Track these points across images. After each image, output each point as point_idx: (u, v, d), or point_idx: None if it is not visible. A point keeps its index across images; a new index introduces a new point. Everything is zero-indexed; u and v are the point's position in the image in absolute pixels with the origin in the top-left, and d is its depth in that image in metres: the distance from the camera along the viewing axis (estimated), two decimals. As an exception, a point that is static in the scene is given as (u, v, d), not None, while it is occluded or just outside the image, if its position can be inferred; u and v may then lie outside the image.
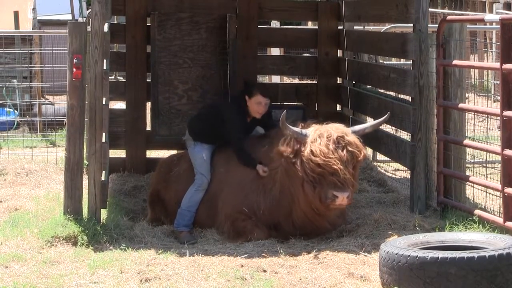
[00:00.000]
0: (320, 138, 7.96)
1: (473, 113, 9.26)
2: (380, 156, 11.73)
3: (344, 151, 7.92)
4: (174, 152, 10.54)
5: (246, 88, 9.01)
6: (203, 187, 8.75)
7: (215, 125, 8.82)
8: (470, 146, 8.65)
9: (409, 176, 9.40)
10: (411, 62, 9.16)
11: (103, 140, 8.28)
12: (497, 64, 7.86)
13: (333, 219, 8.43)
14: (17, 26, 16.48)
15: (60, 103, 15.01)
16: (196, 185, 8.75)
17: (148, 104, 11.19)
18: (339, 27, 11.57)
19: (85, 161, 8.59)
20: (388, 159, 10.85)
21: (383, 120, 8.57)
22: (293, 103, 11.75)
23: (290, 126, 8.11)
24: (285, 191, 8.31)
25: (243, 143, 8.70)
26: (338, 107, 11.92)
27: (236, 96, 9.16)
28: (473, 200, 9.04)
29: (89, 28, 8.36)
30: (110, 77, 8.95)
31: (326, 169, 7.84)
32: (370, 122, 8.56)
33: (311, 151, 7.91)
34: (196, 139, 8.92)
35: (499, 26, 7.72)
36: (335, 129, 8.09)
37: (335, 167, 7.81)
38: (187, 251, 7.69)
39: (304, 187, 8.03)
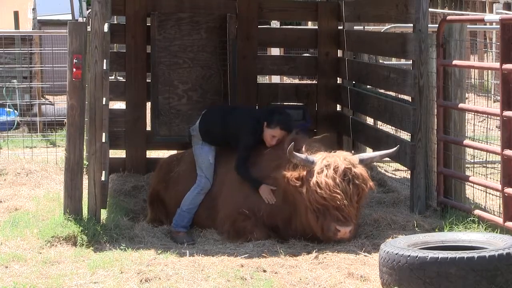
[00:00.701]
0: (327, 169, 7.81)
1: (473, 113, 9.26)
2: (380, 156, 11.71)
3: (350, 185, 7.79)
4: (174, 152, 10.54)
5: (270, 115, 8.56)
6: (205, 190, 8.70)
7: (228, 137, 8.69)
8: (470, 146, 8.65)
9: (409, 176, 9.41)
10: (411, 62, 9.16)
11: (103, 140, 8.27)
12: (497, 64, 7.86)
13: None
14: (17, 26, 16.48)
15: (60, 103, 15.02)
16: (199, 188, 8.70)
17: (148, 104, 11.19)
18: (339, 27, 11.57)
19: (85, 161, 8.59)
20: (388, 159, 10.84)
21: (393, 152, 8.35)
22: (293, 103, 11.75)
23: (298, 154, 7.94)
24: (288, 199, 8.22)
25: (248, 164, 8.52)
26: (338, 107, 11.92)
27: (257, 117, 8.64)
28: (473, 200, 9.04)
29: (89, 28, 8.36)
30: (110, 77, 8.94)
31: (331, 203, 7.74)
32: (378, 152, 8.33)
33: (317, 182, 7.77)
34: (204, 139, 8.83)
35: (499, 26, 7.72)
36: (343, 159, 7.91)
37: (339, 202, 7.71)
38: (187, 251, 7.69)
39: (308, 215, 7.95)
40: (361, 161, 8.04)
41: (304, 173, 7.93)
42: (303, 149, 8.15)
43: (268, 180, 8.30)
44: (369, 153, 8.37)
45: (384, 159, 11.28)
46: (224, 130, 8.70)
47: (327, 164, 7.85)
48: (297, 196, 8.01)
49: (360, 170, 7.91)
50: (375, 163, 11.58)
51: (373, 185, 7.98)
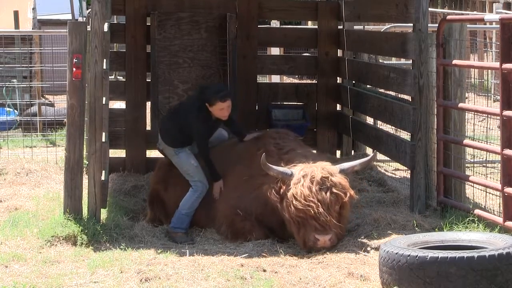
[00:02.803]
0: (303, 179, 7.78)
1: (473, 112, 9.26)
2: (380, 156, 11.70)
3: (328, 193, 7.73)
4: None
5: (204, 96, 8.52)
6: (204, 193, 8.66)
7: (184, 130, 8.63)
8: (470, 146, 8.65)
9: (409, 176, 9.40)
10: (411, 61, 9.16)
11: (103, 140, 8.28)
12: (497, 64, 7.86)
13: None
14: (17, 25, 16.48)
15: (60, 103, 15.01)
16: (197, 193, 8.63)
17: (148, 104, 11.19)
18: (339, 27, 11.58)
19: (85, 161, 8.59)
20: (388, 158, 10.84)
21: (371, 159, 8.31)
22: (293, 103, 11.75)
23: (274, 167, 7.92)
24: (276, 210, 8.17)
25: (209, 151, 8.57)
26: (338, 107, 11.92)
27: (195, 104, 8.57)
28: (473, 200, 9.04)
29: (89, 28, 8.36)
30: (110, 77, 8.94)
31: (307, 213, 7.67)
32: (358, 161, 8.27)
33: (293, 193, 7.75)
34: (174, 146, 8.74)
35: (499, 26, 7.72)
36: (321, 169, 7.87)
37: (314, 210, 7.65)
38: (187, 250, 7.69)
39: (291, 227, 7.90)
40: (342, 171, 7.98)
41: (284, 186, 7.90)
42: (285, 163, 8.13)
43: (259, 191, 8.28)
44: (349, 162, 8.29)
45: (384, 158, 11.29)
46: (180, 129, 8.67)
47: (304, 175, 7.81)
48: (280, 210, 7.97)
49: (339, 179, 7.85)
50: (375, 163, 11.60)
51: (353, 194, 7.89)
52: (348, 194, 7.81)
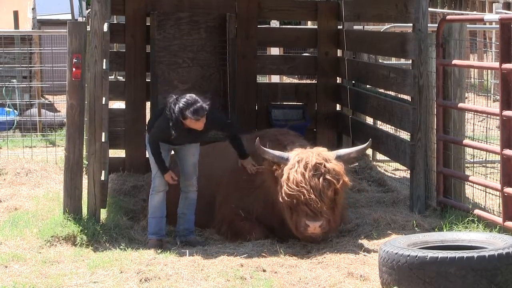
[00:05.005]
0: (298, 164, 7.77)
1: (472, 112, 9.26)
2: (379, 156, 11.73)
3: (321, 179, 7.72)
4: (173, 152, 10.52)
5: (177, 112, 7.92)
6: (160, 189, 8.23)
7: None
8: (469, 146, 8.65)
9: (408, 176, 9.40)
10: (410, 61, 9.17)
11: (103, 140, 8.27)
12: (496, 64, 7.86)
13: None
14: (16, 25, 16.46)
15: (59, 103, 15.00)
16: (150, 189, 8.32)
17: (148, 104, 11.19)
18: (339, 27, 11.58)
19: (84, 161, 8.58)
20: (388, 158, 10.85)
21: (367, 146, 8.25)
22: (293, 103, 11.76)
23: (269, 150, 7.92)
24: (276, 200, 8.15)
25: (159, 147, 8.10)
26: (338, 107, 11.92)
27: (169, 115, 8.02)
28: (472, 200, 9.04)
29: (88, 28, 8.36)
30: (110, 77, 8.94)
31: (298, 198, 7.68)
32: (354, 147, 8.28)
33: (287, 178, 7.75)
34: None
35: (498, 26, 7.72)
36: (317, 154, 7.86)
37: (306, 197, 7.65)
38: (187, 251, 7.69)
39: (284, 213, 7.93)
40: (338, 157, 7.95)
41: (279, 170, 7.90)
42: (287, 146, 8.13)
43: (259, 190, 8.28)
44: (345, 149, 8.27)
45: (384, 158, 11.30)
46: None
47: (299, 160, 7.81)
48: (276, 195, 7.97)
49: (333, 165, 7.82)
50: (374, 163, 11.60)
51: (347, 181, 7.85)
52: (341, 181, 7.78)
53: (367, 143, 8.29)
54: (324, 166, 7.77)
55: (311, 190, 7.67)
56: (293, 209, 7.78)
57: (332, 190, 7.74)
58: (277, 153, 7.96)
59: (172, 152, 8.43)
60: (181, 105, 7.89)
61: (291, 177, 7.73)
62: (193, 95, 7.99)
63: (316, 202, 7.65)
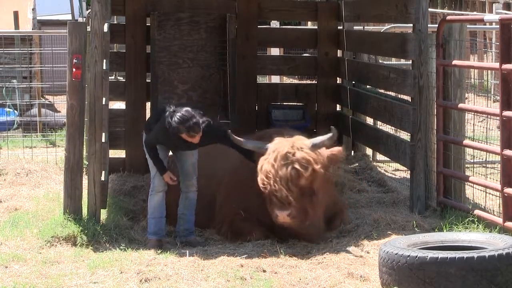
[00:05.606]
0: (271, 154, 7.82)
1: (472, 113, 9.26)
2: (380, 156, 11.73)
3: (289, 169, 7.72)
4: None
5: (173, 127, 7.91)
6: (159, 189, 8.24)
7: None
8: (469, 146, 8.66)
9: (408, 176, 9.41)
10: (410, 62, 9.17)
11: (103, 140, 8.28)
12: (496, 64, 7.86)
13: (315, 227, 8.27)
14: (17, 26, 16.47)
15: (60, 103, 14.99)
16: (149, 189, 8.34)
17: (148, 104, 11.19)
18: (339, 27, 11.58)
19: (85, 161, 8.59)
20: (388, 159, 10.84)
21: (335, 134, 8.11)
22: (293, 103, 11.76)
23: (248, 141, 8.01)
24: None
25: (156, 149, 8.16)
26: (338, 107, 11.92)
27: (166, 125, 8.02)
28: (472, 200, 9.04)
29: (88, 28, 8.36)
30: (110, 77, 8.94)
31: (268, 188, 7.74)
32: (327, 135, 8.08)
33: (260, 168, 7.82)
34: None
35: (498, 26, 7.72)
36: (291, 144, 7.87)
37: (272, 187, 7.70)
38: (187, 251, 7.69)
39: (265, 202, 7.98)
40: (314, 146, 7.93)
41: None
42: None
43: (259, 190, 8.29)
44: (320, 137, 8.17)
45: (384, 158, 11.30)
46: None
47: (274, 150, 7.86)
48: None
49: (303, 153, 7.79)
50: (375, 163, 11.60)
51: (318, 168, 7.79)
52: (310, 169, 7.74)
53: (334, 131, 8.14)
54: (294, 155, 7.78)
55: (278, 180, 7.70)
56: (268, 199, 7.84)
57: (303, 179, 7.72)
58: (256, 143, 8.02)
59: (171, 153, 8.43)
60: (176, 119, 7.88)
61: (263, 168, 7.80)
62: (190, 110, 7.96)
63: (282, 191, 7.68)
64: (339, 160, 8.03)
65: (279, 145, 7.87)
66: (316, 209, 7.94)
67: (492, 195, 8.63)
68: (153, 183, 8.25)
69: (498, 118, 7.90)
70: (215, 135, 8.22)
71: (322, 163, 7.85)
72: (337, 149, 8.03)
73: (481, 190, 8.74)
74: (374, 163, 11.68)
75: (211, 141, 8.27)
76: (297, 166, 7.73)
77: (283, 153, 7.78)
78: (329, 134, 8.14)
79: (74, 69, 8.11)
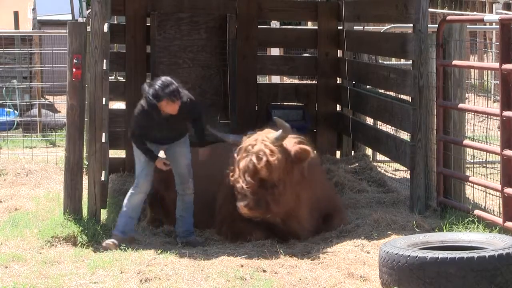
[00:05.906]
0: (240, 149, 8.04)
1: (473, 113, 9.27)
2: (380, 156, 11.74)
3: (247, 162, 7.88)
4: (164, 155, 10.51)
5: (151, 94, 7.96)
6: (141, 190, 8.16)
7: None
8: (469, 146, 8.66)
9: (409, 176, 9.41)
10: (411, 62, 9.17)
11: (103, 140, 8.27)
12: (496, 64, 7.86)
13: (303, 223, 8.29)
14: (17, 26, 16.47)
15: (60, 104, 14.99)
16: (131, 188, 8.25)
17: (148, 104, 11.17)
18: (339, 27, 11.58)
19: (85, 161, 8.59)
20: (388, 159, 10.85)
21: (286, 125, 8.04)
22: (293, 103, 11.76)
23: (229, 135, 8.38)
24: None
25: (141, 138, 8.10)
26: (338, 107, 11.92)
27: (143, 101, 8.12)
28: (472, 200, 9.04)
29: (89, 28, 8.37)
30: (110, 77, 8.94)
31: (231, 180, 7.98)
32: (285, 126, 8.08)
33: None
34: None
35: (498, 26, 7.72)
36: (255, 137, 8.06)
37: (232, 178, 7.95)
38: (187, 251, 7.69)
39: None
40: (276, 139, 7.99)
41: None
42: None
43: None
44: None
45: (384, 158, 11.30)
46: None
47: (244, 143, 8.06)
48: None
49: (261, 146, 7.91)
50: (375, 163, 11.60)
51: (273, 160, 7.84)
52: (264, 161, 7.81)
53: (287, 125, 8.08)
54: (253, 147, 7.94)
55: (238, 172, 7.91)
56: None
57: (258, 171, 7.82)
58: (236, 136, 8.28)
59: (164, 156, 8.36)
60: (156, 87, 7.93)
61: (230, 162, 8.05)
62: (168, 78, 8.05)
63: (238, 182, 7.86)
64: (305, 158, 8.06)
65: (249, 139, 8.06)
66: (279, 202, 7.99)
67: (492, 195, 8.63)
68: (137, 182, 8.20)
69: (498, 118, 7.90)
70: (193, 110, 8.20)
71: (280, 157, 7.91)
72: (304, 147, 8.05)
73: (481, 190, 8.74)
74: (374, 163, 11.68)
75: (186, 116, 8.17)
76: (253, 158, 7.89)
77: (245, 145, 7.99)
78: (285, 126, 8.10)
79: (74, 69, 8.12)
